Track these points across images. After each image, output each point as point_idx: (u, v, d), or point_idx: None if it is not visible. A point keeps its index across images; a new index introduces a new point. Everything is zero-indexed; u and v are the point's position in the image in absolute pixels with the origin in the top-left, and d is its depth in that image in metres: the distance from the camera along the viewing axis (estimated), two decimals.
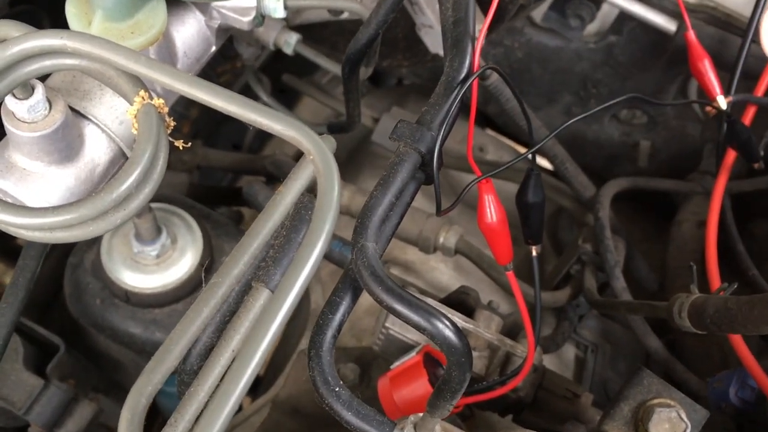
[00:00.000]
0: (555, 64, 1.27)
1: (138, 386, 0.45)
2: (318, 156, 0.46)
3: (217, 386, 0.44)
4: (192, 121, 1.49)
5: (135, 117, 0.49)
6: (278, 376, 1.15)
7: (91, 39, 0.48)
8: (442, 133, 0.58)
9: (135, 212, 0.50)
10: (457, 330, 0.53)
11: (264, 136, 1.64)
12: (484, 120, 1.52)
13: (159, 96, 0.73)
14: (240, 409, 1.10)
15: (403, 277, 1.08)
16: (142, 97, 0.49)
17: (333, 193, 0.45)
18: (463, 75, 0.60)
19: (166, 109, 0.50)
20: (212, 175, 1.58)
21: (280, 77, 1.48)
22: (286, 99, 1.61)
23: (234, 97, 0.47)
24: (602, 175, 1.24)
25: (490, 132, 1.53)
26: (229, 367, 0.44)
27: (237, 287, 0.61)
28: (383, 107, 1.46)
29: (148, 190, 0.50)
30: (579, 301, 1.07)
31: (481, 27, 0.62)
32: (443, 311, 0.82)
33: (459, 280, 1.10)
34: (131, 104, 0.50)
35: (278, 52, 1.02)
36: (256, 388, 1.57)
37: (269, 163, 1.21)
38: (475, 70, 0.61)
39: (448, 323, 0.52)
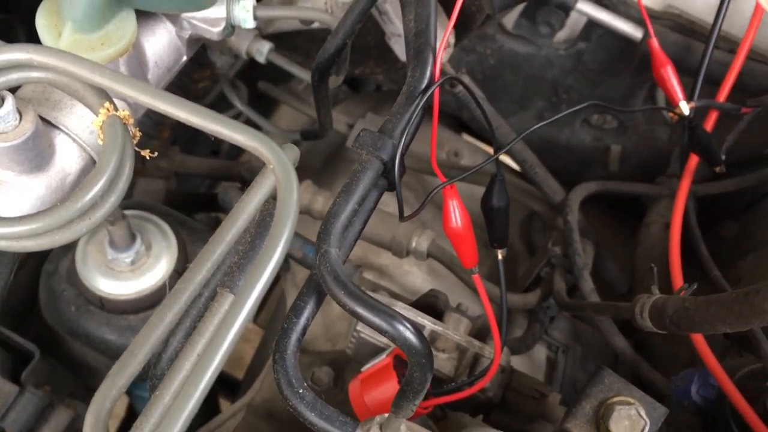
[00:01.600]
0: (526, 71, 1.29)
1: (102, 390, 0.46)
2: (277, 165, 0.47)
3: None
4: (170, 127, 1.50)
5: (100, 128, 0.51)
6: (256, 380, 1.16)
7: (57, 53, 0.50)
8: (403, 141, 0.60)
9: (100, 221, 0.51)
10: (418, 332, 0.55)
11: None
12: (461, 125, 1.55)
13: (129, 107, 0.74)
14: (217, 413, 1.11)
15: (377, 282, 1.09)
16: (107, 109, 0.50)
17: (292, 200, 0.46)
18: (424, 85, 0.62)
19: (132, 120, 0.52)
20: (190, 181, 1.59)
21: (257, 85, 1.49)
22: (265, 106, 1.62)
23: (197, 109, 0.49)
24: (575, 180, 1.26)
25: (466, 137, 1.55)
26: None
27: (206, 293, 0.62)
28: (360, 113, 1.47)
29: (113, 199, 0.51)
30: (549, 303, 1.09)
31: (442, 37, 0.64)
32: (408, 314, 0.84)
33: (432, 284, 1.12)
34: (97, 116, 0.51)
35: (255, 60, 1.04)
36: (235, 392, 1.58)
37: (245, 169, 1.22)
38: (435, 80, 0.63)
39: (408, 326, 0.54)
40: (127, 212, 0.97)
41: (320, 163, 1.44)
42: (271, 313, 1.50)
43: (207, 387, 0.43)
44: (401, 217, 0.65)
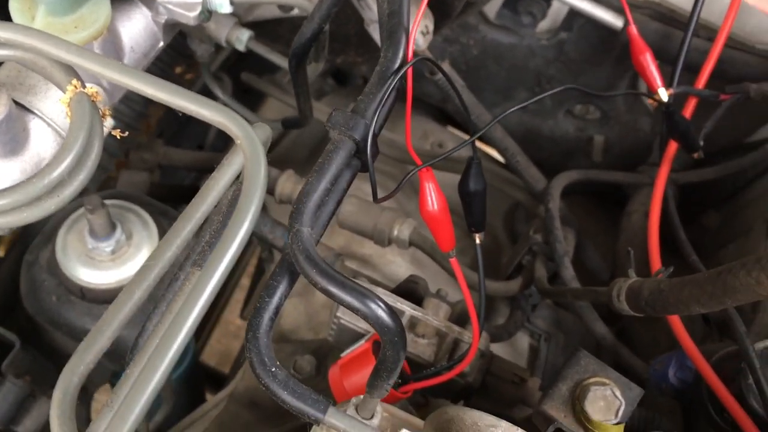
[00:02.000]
0: (509, 61, 1.29)
1: (70, 366, 0.46)
2: (245, 140, 0.47)
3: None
4: (156, 120, 1.49)
5: (68, 105, 0.51)
6: None
7: (24, 29, 0.50)
8: (375, 121, 0.60)
9: (69, 198, 0.51)
10: (390, 310, 0.55)
11: (227, 137, 1.64)
12: (446, 118, 1.55)
13: (106, 90, 0.74)
14: (201, 402, 1.11)
15: (360, 270, 1.10)
16: (75, 86, 0.50)
17: (259, 175, 0.46)
18: (396, 65, 0.62)
19: (101, 98, 0.52)
20: (175, 174, 1.59)
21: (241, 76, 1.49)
22: (251, 99, 1.62)
23: (164, 84, 0.49)
24: (558, 170, 1.26)
25: (451, 129, 1.56)
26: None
27: (182, 276, 0.62)
28: (346, 106, 1.47)
29: (82, 177, 0.51)
30: (531, 291, 1.09)
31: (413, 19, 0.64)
32: (387, 299, 0.84)
33: (415, 273, 1.12)
34: (64, 93, 0.51)
35: (240, 53, 1.04)
36: (220, 384, 1.58)
37: None
38: (408, 61, 0.63)
39: (380, 304, 0.54)
40: (108, 202, 0.96)
41: (306, 154, 1.44)
42: None
43: (172, 360, 0.43)
44: (375, 199, 0.65)
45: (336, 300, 0.55)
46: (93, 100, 0.51)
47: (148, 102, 1.39)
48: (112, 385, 1.29)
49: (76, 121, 0.50)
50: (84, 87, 0.51)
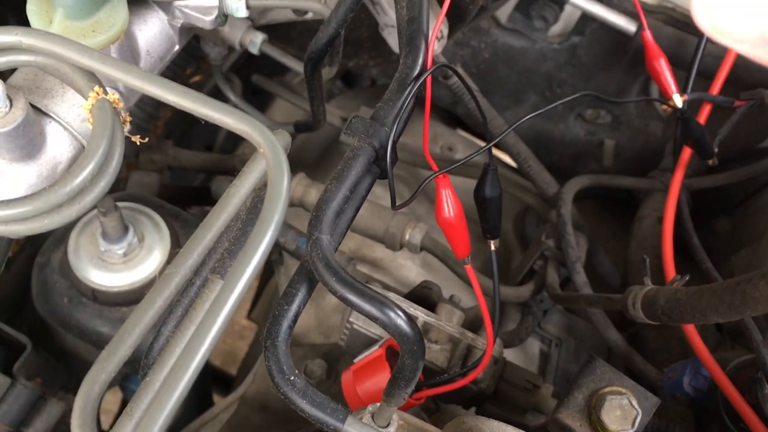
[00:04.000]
0: (521, 65, 1.29)
1: (91, 375, 0.46)
2: (268, 149, 0.47)
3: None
4: (164, 121, 1.49)
5: (90, 112, 0.50)
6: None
7: (45, 35, 0.49)
8: (395, 128, 0.60)
9: (90, 206, 0.51)
10: (409, 319, 0.54)
11: (236, 138, 1.64)
12: (456, 121, 1.55)
13: (121, 95, 0.74)
14: (210, 405, 1.11)
15: (371, 275, 1.09)
16: (97, 92, 0.50)
17: (282, 184, 0.46)
18: (416, 72, 0.62)
19: (122, 104, 0.51)
20: (185, 175, 1.59)
21: (251, 78, 1.49)
22: (260, 100, 1.61)
23: (186, 92, 0.48)
24: (569, 174, 1.26)
25: (461, 132, 1.55)
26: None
27: (198, 281, 0.62)
28: (355, 107, 1.47)
29: (103, 184, 0.51)
30: (543, 297, 1.09)
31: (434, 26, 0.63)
32: (401, 303, 0.84)
33: (426, 277, 1.12)
34: (86, 99, 0.51)
35: (252, 53, 1.03)
36: (227, 387, 1.58)
37: (239, 162, 1.22)
38: (428, 68, 0.62)
39: (400, 313, 0.54)
40: (120, 204, 0.96)
41: (315, 156, 1.43)
42: (266, 309, 1.50)
43: (195, 372, 0.43)
44: (393, 206, 0.64)
45: (355, 308, 0.54)
46: (115, 107, 0.51)
47: (158, 104, 1.39)
48: (121, 387, 1.29)
49: (98, 128, 0.49)
50: (106, 93, 0.51)
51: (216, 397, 1.61)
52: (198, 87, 1.51)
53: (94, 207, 0.52)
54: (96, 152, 0.48)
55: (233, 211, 0.51)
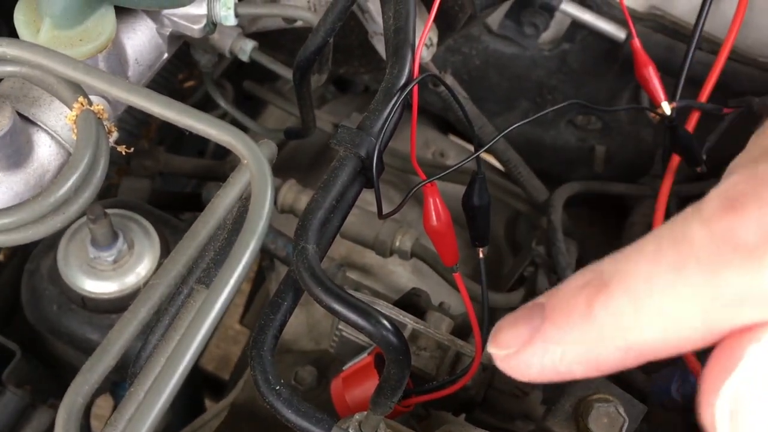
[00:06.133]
0: (512, 71, 1.29)
1: (75, 385, 0.46)
2: (252, 160, 0.47)
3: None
4: (156, 127, 1.49)
5: (74, 122, 0.50)
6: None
7: (30, 47, 0.49)
8: (381, 138, 0.60)
9: (75, 216, 0.51)
10: (395, 328, 0.55)
11: None
12: (447, 126, 1.55)
13: (109, 104, 0.74)
14: (201, 411, 1.11)
15: (361, 281, 1.09)
16: (81, 103, 0.50)
17: (266, 195, 0.46)
18: (402, 82, 0.62)
19: (106, 115, 0.51)
20: (177, 181, 1.59)
21: (243, 84, 1.49)
22: (253, 106, 1.62)
23: (171, 103, 0.49)
24: (560, 181, 1.26)
25: (453, 138, 1.56)
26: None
27: (185, 291, 0.62)
28: (346, 114, 1.47)
29: (88, 194, 0.51)
30: None
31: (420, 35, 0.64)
32: (389, 312, 0.84)
33: (417, 284, 1.12)
34: (71, 110, 0.51)
35: (242, 61, 1.04)
36: (220, 392, 1.57)
37: (230, 168, 1.22)
38: (414, 77, 0.63)
39: (385, 322, 0.54)
40: (109, 211, 0.96)
41: (306, 163, 1.44)
42: (258, 315, 1.50)
43: (179, 382, 0.43)
44: (380, 215, 0.65)
45: (341, 318, 0.55)
46: (99, 117, 0.51)
47: None
48: (112, 393, 1.29)
49: (82, 139, 0.49)
50: (90, 104, 0.51)
51: (209, 403, 1.61)
52: (192, 92, 1.51)
53: (79, 216, 0.52)
54: (80, 163, 0.49)
55: (218, 220, 0.52)
